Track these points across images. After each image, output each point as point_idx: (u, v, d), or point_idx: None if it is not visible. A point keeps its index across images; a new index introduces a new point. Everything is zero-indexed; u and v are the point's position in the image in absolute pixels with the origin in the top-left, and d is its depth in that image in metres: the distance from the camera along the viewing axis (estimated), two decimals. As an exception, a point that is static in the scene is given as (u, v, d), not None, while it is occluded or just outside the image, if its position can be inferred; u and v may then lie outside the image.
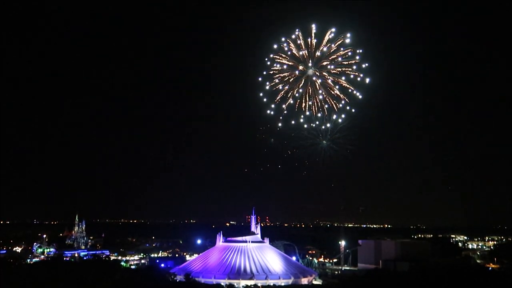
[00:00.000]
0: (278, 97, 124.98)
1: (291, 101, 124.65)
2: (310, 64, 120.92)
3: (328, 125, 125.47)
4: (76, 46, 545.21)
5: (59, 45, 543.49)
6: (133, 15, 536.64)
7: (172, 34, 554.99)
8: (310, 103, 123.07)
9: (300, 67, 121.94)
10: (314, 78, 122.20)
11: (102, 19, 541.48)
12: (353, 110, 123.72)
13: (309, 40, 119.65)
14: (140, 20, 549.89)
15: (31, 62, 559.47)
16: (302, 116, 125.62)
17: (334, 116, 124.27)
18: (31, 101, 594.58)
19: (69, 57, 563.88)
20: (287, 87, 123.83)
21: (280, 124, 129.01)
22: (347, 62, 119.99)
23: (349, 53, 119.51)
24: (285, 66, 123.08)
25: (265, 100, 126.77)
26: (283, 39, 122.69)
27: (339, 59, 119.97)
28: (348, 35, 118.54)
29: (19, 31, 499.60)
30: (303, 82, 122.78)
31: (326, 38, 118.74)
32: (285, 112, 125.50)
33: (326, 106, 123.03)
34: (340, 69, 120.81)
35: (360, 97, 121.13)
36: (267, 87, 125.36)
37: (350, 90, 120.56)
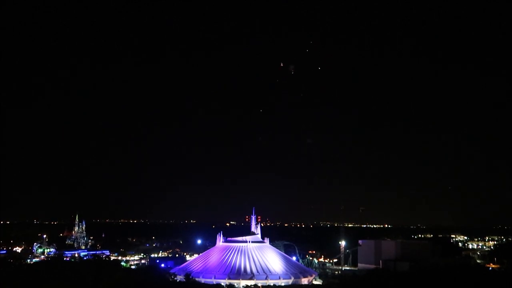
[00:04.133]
0: None
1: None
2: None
3: None
4: (83, 44, 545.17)
5: (63, 45, 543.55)
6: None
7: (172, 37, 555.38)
8: None
9: None
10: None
11: (105, 20, 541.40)
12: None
13: None
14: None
15: (33, 60, 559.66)
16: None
17: None
18: (32, 101, 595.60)
19: (74, 56, 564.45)
20: None
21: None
22: None
23: None
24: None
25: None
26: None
27: None
28: None
29: (20, 29, 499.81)
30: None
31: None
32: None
33: None
34: None
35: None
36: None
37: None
